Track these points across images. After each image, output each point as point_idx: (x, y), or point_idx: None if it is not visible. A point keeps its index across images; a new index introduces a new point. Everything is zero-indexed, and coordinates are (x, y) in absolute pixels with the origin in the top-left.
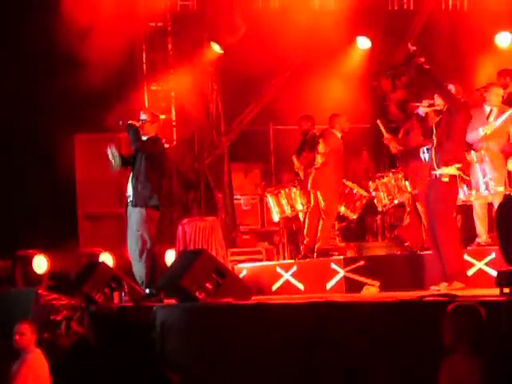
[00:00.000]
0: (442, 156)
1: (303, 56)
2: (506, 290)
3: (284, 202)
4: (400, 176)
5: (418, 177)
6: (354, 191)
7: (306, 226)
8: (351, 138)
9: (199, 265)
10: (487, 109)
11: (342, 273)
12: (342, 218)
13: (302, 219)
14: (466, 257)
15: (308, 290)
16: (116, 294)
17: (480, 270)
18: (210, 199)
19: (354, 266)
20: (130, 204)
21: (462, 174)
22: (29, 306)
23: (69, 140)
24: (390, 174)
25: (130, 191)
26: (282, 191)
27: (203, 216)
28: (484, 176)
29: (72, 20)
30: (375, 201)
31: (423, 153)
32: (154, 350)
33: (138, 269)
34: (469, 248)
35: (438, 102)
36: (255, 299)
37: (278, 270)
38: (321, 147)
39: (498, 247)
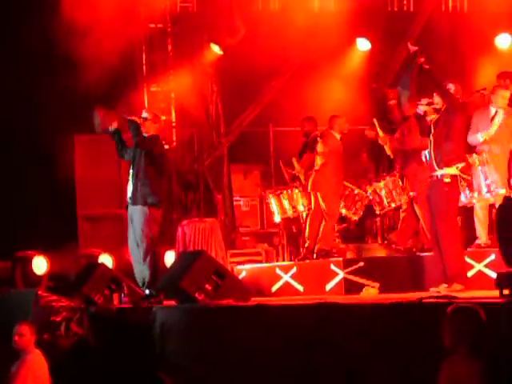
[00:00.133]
0: (443, 156)
1: (303, 57)
2: (506, 292)
3: (286, 202)
4: (397, 179)
5: (416, 179)
6: (355, 192)
7: (307, 229)
8: (351, 140)
9: (199, 266)
10: (492, 110)
11: (341, 274)
12: (342, 220)
13: (302, 221)
14: (466, 258)
15: (307, 292)
16: (115, 296)
17: (480, 272)
18: (210, 200)
19: (353, 268)
20: (130, 202)
21: (462, 174)
22: (28, 307)
23: (68, 140)
24: (387, 178)
25: (130, 191)
26: (285, 192)
27: (203, 217)
28: (486, 179)
29: (72, 21)
30: (372, 205)
31: (425, 157)
32: (154, 351)
33: (140, 270)
34: (468, 249)
35: (437, 100)
36: (255, 300)
37: (278, 271)
38: (319, 147)
39: (497, 249)
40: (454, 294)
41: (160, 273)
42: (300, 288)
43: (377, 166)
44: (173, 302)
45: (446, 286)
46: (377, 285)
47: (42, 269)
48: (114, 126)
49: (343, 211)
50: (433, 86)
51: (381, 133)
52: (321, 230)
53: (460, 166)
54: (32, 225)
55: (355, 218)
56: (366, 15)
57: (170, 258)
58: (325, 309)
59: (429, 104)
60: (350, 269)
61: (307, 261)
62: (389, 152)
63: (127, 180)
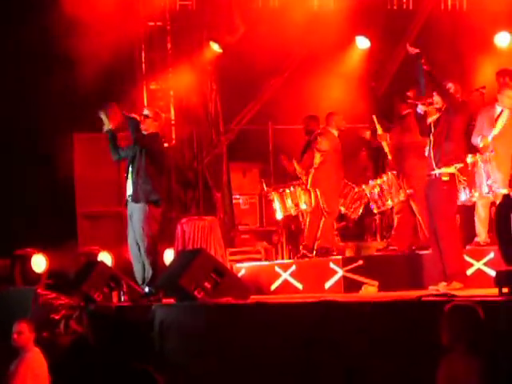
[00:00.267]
0: (442, 156)
1: (302, 55)
2: (505, 290)
3: (289, 200)
4: (392, 177)
5: (414, 175)
6: (355, 190)
7: (306, 226)
8: (350, 138)
9: (198, 264)
10: (498, 109)
11: (340, 272)
12: (341, 218)
13: (301, 219)
14: (465, 257)
15: (306, 290)
16: (115, 293)
17: (479, 270)
18: (209, 198)
19: (352, 266)
20: (130, 200)
21: (459, 175)
22: (28, 305)
23: (68, 139)
24: (384, 176)
25: (129, 189)
26: (288, 190)
27: (202, 215)
28: (488, 178)
29: (71, 19)
30: (370, 203)
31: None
32: (153, 348)
33: (139, 268)
34: (468, 247)
35: (437, 100)
36: (254, 298)
37: (277, 269)
38: (318, 145)
39: (496, 247)
40: (453, 293)
41: (159, 271)
42: (299, 286)
43: (376, 165)
44: (172, 300)
45: (445, 284)
46: (376, 283)
47: (42, 267)
48: (111, 126)
49: (342, 209)
50: (433, 85)
51: (380, 130)
52: (320, 226)
53: (458, 166)
54: (31, 223)
55: (355, 215)
56: (366, 13)
57: (169, 255)
58: (324, 307)
59: (429, 104)
60: (349, 267)
61: (306, 259)
62: (387, 149)
63: (125, 178)
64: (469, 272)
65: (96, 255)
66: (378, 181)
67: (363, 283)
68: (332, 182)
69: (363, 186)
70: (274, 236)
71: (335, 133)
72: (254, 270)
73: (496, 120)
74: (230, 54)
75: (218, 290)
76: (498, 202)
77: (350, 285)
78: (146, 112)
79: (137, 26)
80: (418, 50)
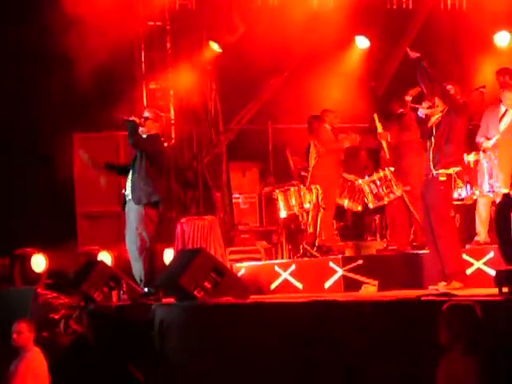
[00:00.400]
0: (441, 158)
1: (302, 55)
2: (505, 290)
3: (293, 199)
4: (389, 172)
5: (412, 173)
6: (356, 183)
7: (308, 222)
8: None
9: (198, 263)
10: (502, 109)
11: (340, 272)
12: (341, 217)
13: (301, 219)
14: (465, 256)
15: (306, 289)
16: (114, 293)
17: (478, 270)
18: (209, 198)
19: (352, 266)
20: (128, 201)
21: (456, 177)
22: (27, 305)
23: (68, 139)
24: (381, 172)
25: (129, 188)
26: (292, 189)
27: (202, 215)
28: (490, 177)
29: (71, 19)
30: (366, 200)
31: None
32: (153, 348)
33: (137, 268)
34: (467, 247)
35: (438, 102)
36: (254, 298)
37: (277, 268)
38: (316, 142)
39: (496, 246)
40: (452, 292)
41: (157, 271)
42: (299, 285)
43: (376, 164)
44: (172, 300)
45: (444, 283)
46: (376, 282)
47: (41, 266)
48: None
49: (345, 203)
50: (434, 88)
51: (380, 128)
52: (318, 222)
53: (456, 169)
54: (31, 223)
55: (358, 208)
56: (365, 13)
57: (168, 255)
58: (324, 306)
59: (430, 107)
60: (348, 266)
61: (306, 258)
62: (386, 149)
63: (126, 178)
64: (468, 271)
65: (96, 255)
66: (375, 176)
67: (363, 283)
68: (330, 176)
69: (360, 181)
70: (274, 235)
71: (328, 128)
72: (253, 270)
73: (500, 119)
74: (229, 54)
75: (218, 289)
76: (497, 201)
77: (349, 284)
78: (146, 114)
79: (136, 26)
80: (418, 54)
